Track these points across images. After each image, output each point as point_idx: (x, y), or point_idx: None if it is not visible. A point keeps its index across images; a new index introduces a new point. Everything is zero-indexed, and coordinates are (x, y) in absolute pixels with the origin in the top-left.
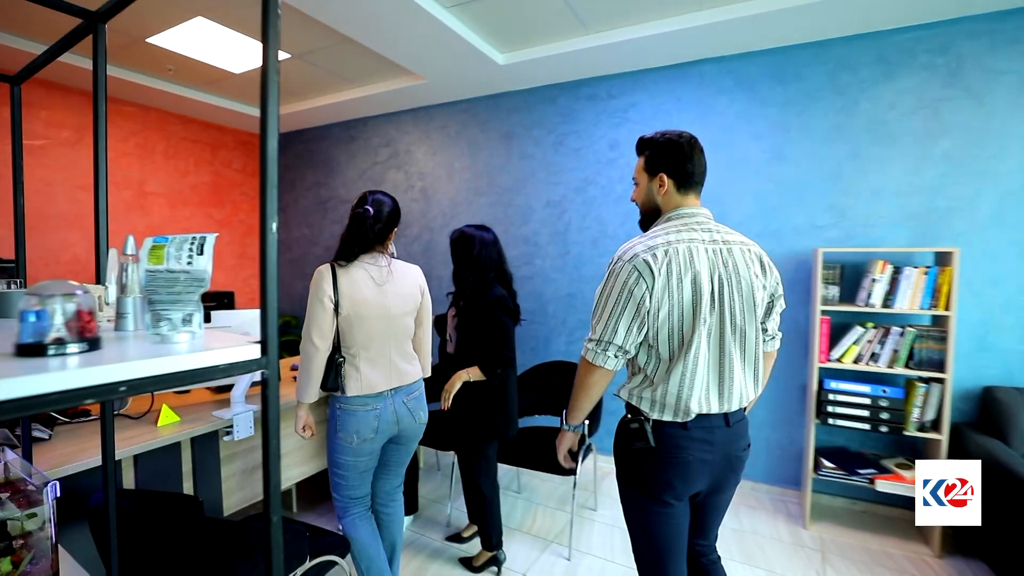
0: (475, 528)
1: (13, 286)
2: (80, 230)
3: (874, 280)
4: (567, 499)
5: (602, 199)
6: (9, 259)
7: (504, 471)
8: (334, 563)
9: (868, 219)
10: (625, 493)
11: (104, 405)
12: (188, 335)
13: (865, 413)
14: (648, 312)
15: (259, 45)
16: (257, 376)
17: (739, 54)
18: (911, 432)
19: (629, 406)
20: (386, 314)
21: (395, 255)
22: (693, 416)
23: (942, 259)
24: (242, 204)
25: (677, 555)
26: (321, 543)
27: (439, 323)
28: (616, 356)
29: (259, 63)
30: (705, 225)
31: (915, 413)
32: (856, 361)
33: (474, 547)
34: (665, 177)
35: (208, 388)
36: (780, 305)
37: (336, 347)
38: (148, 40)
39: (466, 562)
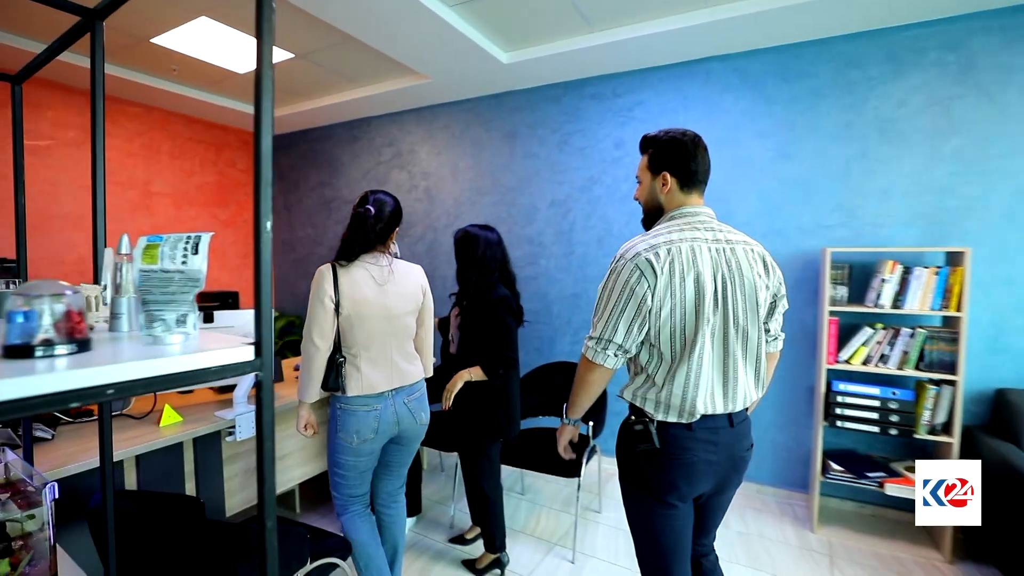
0: (478, 530)
1: (12, 286)
2: (85, 230)
3: (883, 280)
4: (571, 501)
5: (607, 198)
6: (10, 259)
7: (508, 472)
8: (336, 565)
9: (877, 218)
10: (628, 495)
11: (102, 406)
12: (182, 336)
13: (874, 415)
14: (650, 311)
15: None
16: None
17: (745, 52)
18: (921, 435)
19: (633, 407)
20: (387, 314)
21: (398, 255)
22: (698, 417)
23: (953, 259)
24: (247, 204)
25: (681, 557)
26: (322, 545)
27: (443, 324)
28: (616, 355)
29: None
30: (708, 224)
31: (925, 416)
32: (865, 362)
33: (477, 549)
34: (668, 176)
35: (211, 388)
36: (783, 305)
37: (337, 347)
38: (152, 40)
39: (469, 564)
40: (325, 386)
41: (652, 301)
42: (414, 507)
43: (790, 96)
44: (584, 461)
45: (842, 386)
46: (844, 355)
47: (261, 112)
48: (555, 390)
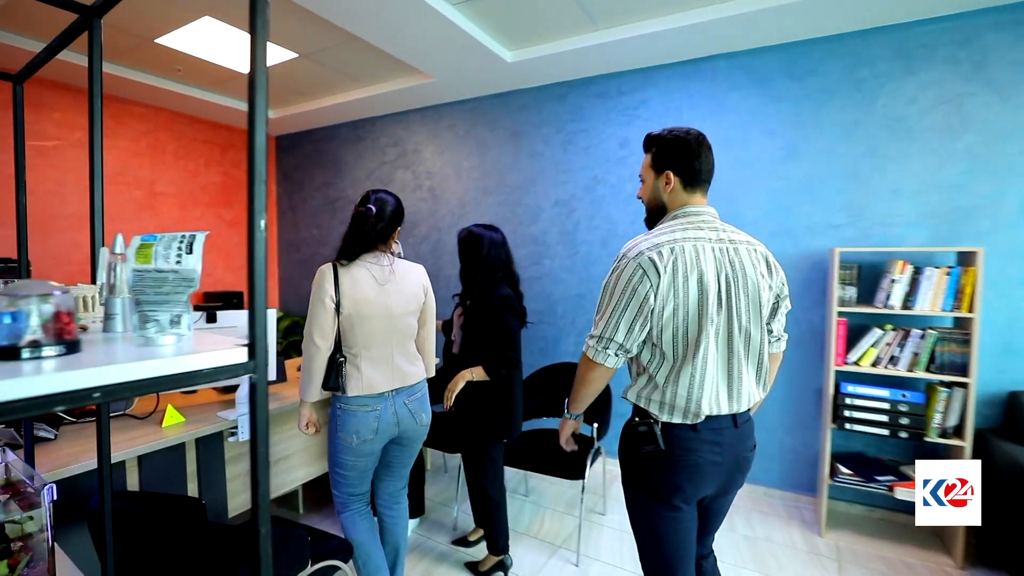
0: (482, 532)
1: None
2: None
3: (893, 281)
4: (575, 503)
5: (612, 198)
6: (12, 259)
7: (511, 474)
8: (337, 568)
9: (886, 218)
10: (632, 497)
11: (100, 407)
12: (174, 337)
13: (884, 418)
14: (652, 311)
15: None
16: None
17: (752, 49)
18: (932, 438)
19: (637, 408)
20: (388, 314)
21: (401, 255)
22: (703, 418)
23: (965, 259)
24: None
25: (686, 561)
26: (323, 547)
27: (447, 326)
28: (617, 355)
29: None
30: (711, 224)
31: (936, 418)
32: (874, 364)
33: (480, 551)
34: (671, 175)
35: (214, 388)
36: (785, 306)
37: (338, 346)
38: (157, 40)
39: (472, 567)
40: (325, 385)
41: (655, 301)
42: (417, 508)
43: (798, 94)
44: (588, 463)
45: (851, 388)
46: (853, 356)
47: (255, 108)
48: (559, 391)
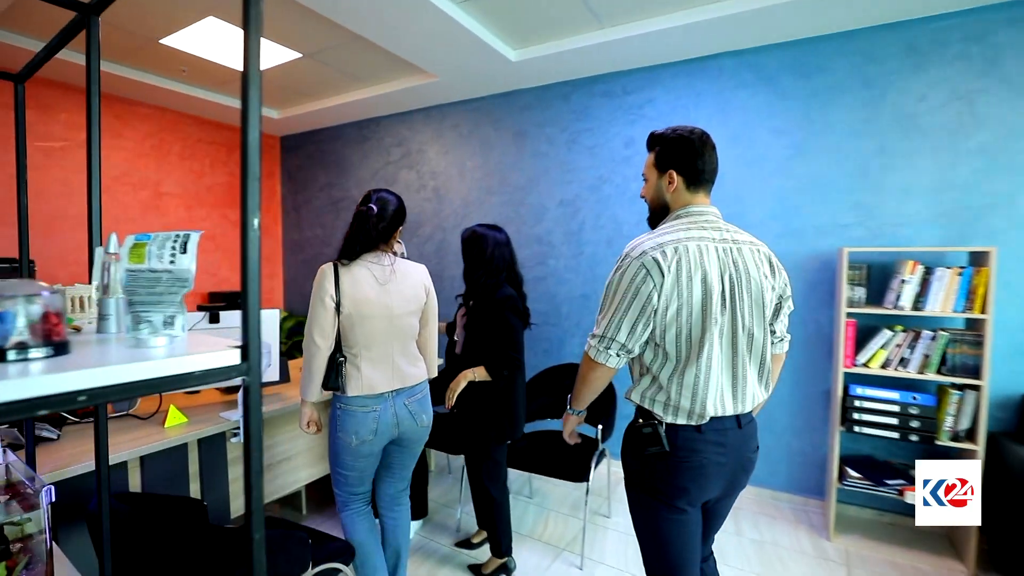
0: (485, 534)
1: None
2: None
3: (903, 281)
4: (580, 505)
5: (617, 198)
6: (13, 258)
7: (515, 475)
8: (339, 571)
9: (896, 217)
10: (636, 500)
11: (97, 408)
12: (166, 339)
13: (894, 421)
14: (656, 311)
15: (272, 44)
16: (268, 376)
17: (759, 47)
18: (944, 441)
19: (640, 409)
20: (388, 313)
21: (405, 255)
22: (708, 419)
23: (977, 259)
24: None
25: (691, 564)
26: (324, 550)
27: (451, 327)
28: (619, 355)
29: (272, 63)
30: (715, 224)
31: (948, 421)
32: (884, 366)
33: (484, 554)
34: (675, 174)
35: (217, 389)
36: (788, 307)
37: (338, 346)
38: (161, 41)
39: (475, 569)
40: (325, 385)
41: (658, 301)
42: (420, 510)
43: (806, 92)
44: (593, 465)
45: (860, 390)
46: (862, 358)
47: (248, 105)
48: (563, 392)
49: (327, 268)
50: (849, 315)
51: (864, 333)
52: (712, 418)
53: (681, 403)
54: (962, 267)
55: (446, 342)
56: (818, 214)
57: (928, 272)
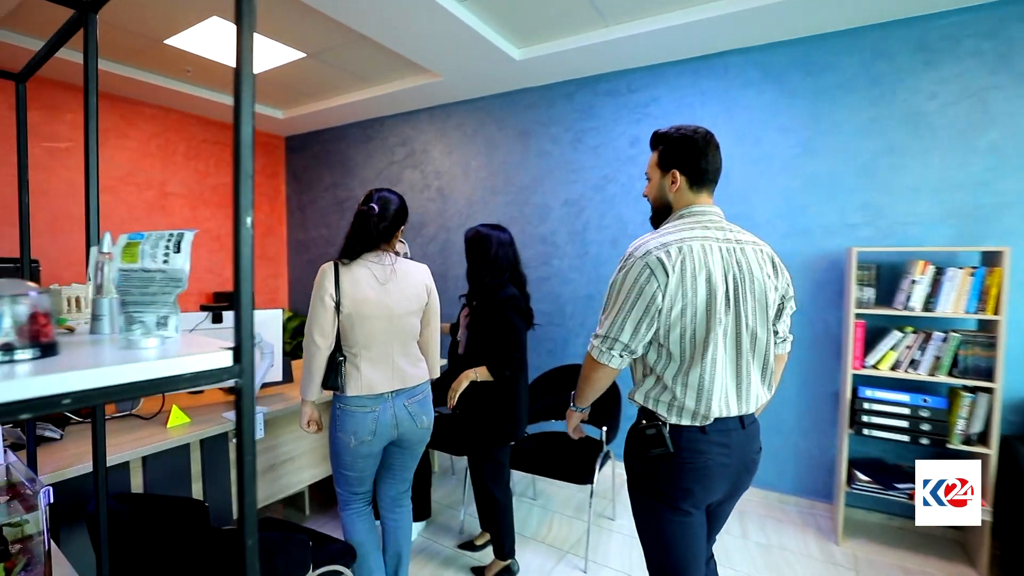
0: (488, 536)
1: None
2: (101, 231)
3: (914, 282)
4: (584, 507)
5: (622, 197)
6: (15, 257)
7: (519, 477)
8: (340, 573)
9: (906, 217)
10: (639, 503)
11: (95, 409)
12: (157, 340)
13: (904, 424)
14: (660, 311)
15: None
16: (271, 376)
17: (766, 44)
18: (955, 445)
19: (644, 411)
20: (389, 313)
21: (408, 255)
22: (712, 419)
23: (990, 259)
24: (262, 205)
25: (696, 567)
26: (326, 552)
27: (454, 328)
28: (622, 355)
29: (276, 63)
30: (718, 224)
31: (960, 424)
32: (894, 368)
33: (487, 556)
34: (678, 174)
35: (221, 389)
36: (790, 307)
37: (339, 346)
38: (166, 42)
39: (478, 571)
40: (325, 385)
41: (663, 301)
42: (423, 511)
43: (814, 89)
44: (597, 467)
45: (869, 392)
46: (871, 360)
47: (240, 100)
48: (568, 393)
49: (327, 267)
50: (858, 316)
51: (873, 334)
52: (716, 419)
53: (686, 403)
54: (974, 267)
55: (449, 342)
56: (826, 213)
57: (939, 272)
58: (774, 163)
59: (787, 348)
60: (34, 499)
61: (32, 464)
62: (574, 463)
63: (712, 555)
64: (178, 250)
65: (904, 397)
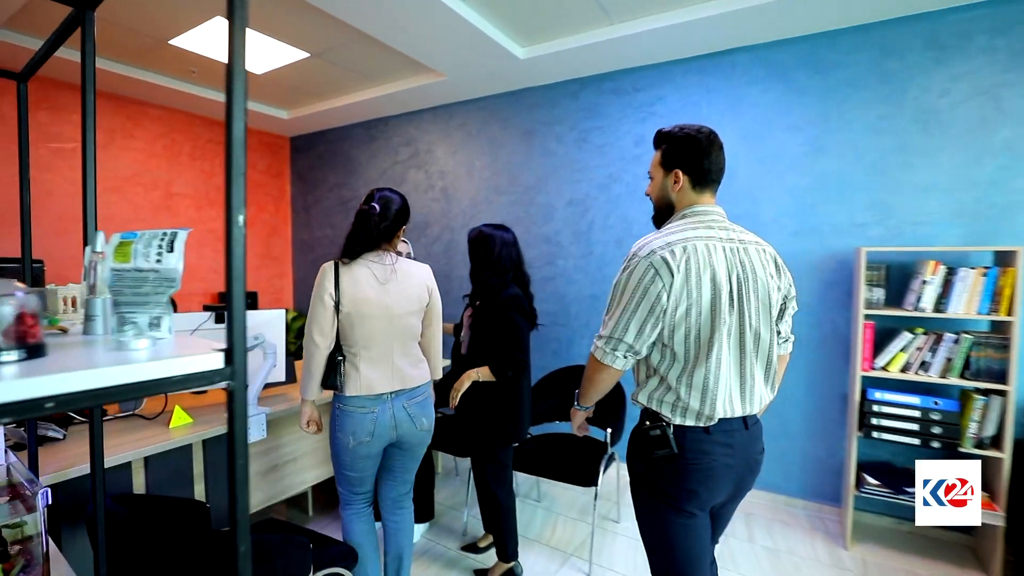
0: (492, 538)
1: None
2: (108, 231)
3: (924, 282)
4: (588, 510)
5: (627, 197)
6: (17, 257)
7: (523, 479)
8: (341, 575)
9: (917, 216)
10: (643, 504)
11: (93, 410)
12: (148, 341)
13: (914, 427)
14: (665, 311)
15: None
16: (274, 377)
17: (773, 42)
18: (967, 448)
19: (647, 411)
20: (388, 313)
21: (412, 255)
22: (716, 420)
23: (1003, 259)
24: (267, 205)
25: (700, 570)
26: (327, 554)
27: (458, 329)
28: (626, 356)
29: (281, 62)
30: (721, 223)
31: (972, 428)
32: (904, 370)
33: (490, 558)
34: (680, 173)
35: (224, 389)
36: (792, 307)
37: (339, 346)
38: (170, 42)
39: (481, 574)
40: (325, 384)
41: (668, 300)
42: (427, 512)
43: (822, 87)
44: (602, 469)
45: (878, 394)
46: (880, 362)
47: (232, 96)
48: (572, 394)
49: (327, 267)
50: (867, 317)
51: (882, 335)
52: (720, 420)
53: (690, 404)
54: (987, 267)
55: (452, 343)
56: (835, 213)
57: (951, 272)
58: (782, 162)
59: (789, 348)
60: (34, 500)
61: (33, 464)
62: (578, 465)
63: (714, 558)
64: (171, 250)
65: (914, 400)
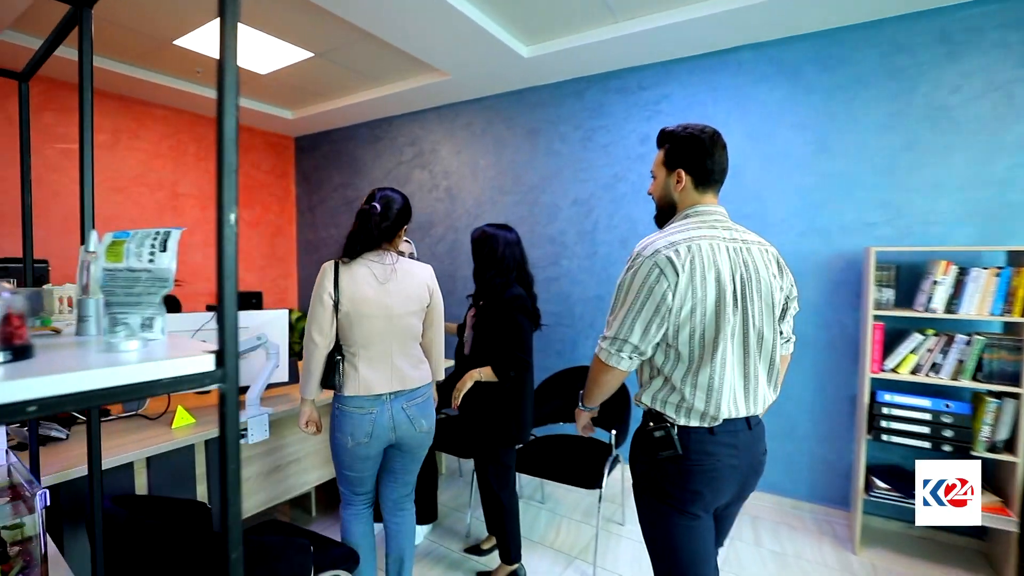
0: (495, 540)
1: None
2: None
3: (935, 282)
4: (592, 512)
5: (632, 196)
6: (18, 257)
7: (527, 480)
8: None
9: (927, 216)
10: (646, 506)
11: (91, 411)
12: (139, 342)
13: (925, 430)
14: (670, 311)
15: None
16: (276, 377)
17: (780, 39)
18: (979, 452)
19: (651, 412)
20: (388, 313)
21: (415, 255)
22: (720, 421)
23: (1017, 259)
24: (271, 205)
25: (705, 574)
26: (328, 556)
27: (461, 329)
28: (631, 357)
29: (285, 62)
30: (724, 223)
31: (984, 431)
32: (914, 372)
33: (493, 560)
34: (683, 173)
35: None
36: (794, 308)
37: (338, 345)
38: (175, 43)
39: None
40: (324, 383)
41: (673, 300)
42: (430, 514)
43: (830, 85)
44: (606, 471)
45: (888, 397)
46: (890, 363)
47: (224, 92)
48: (576, 395)
49: (328, 266)
50: (876, 318)
51: (892, 337)
52: (724, 420)
53: (695, 404)
54: (1000, 267)
55: (456, 343)
56: (843, 212)
57: (962, 273)
58: (789, 160)
59: (790, 349)
60: (32, 501)
61: (34, 465)
62: (582, 467)
63: (716, 565)
64: (164, 249)
65: (925, 402)
